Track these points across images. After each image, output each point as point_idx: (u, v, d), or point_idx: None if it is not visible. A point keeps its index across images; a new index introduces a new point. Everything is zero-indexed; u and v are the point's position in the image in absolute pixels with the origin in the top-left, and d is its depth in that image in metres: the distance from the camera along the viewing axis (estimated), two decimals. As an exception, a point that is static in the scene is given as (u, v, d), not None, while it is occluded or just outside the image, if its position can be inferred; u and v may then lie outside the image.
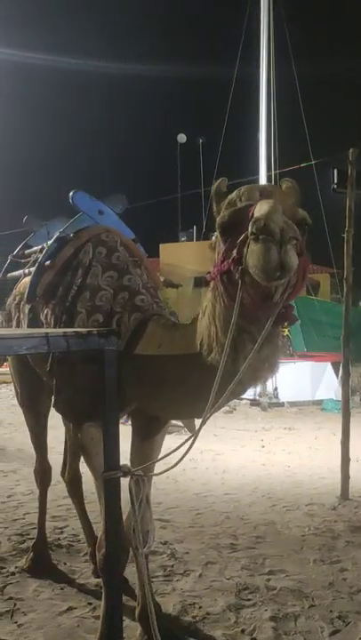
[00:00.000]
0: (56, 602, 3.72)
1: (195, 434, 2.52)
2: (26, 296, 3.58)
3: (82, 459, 3.71)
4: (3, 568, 4.19)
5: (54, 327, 3.27)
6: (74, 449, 4.26)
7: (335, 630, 3.42)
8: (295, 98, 16.76)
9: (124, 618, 3.01)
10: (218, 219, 2.42)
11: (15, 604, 3.68)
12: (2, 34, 25.14)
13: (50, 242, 3.60)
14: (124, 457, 2.83)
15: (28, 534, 4.75)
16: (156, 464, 3.00)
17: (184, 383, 2.75)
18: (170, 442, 3.14)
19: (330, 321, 13.18)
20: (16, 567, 4.20)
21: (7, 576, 4.08)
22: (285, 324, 2.47)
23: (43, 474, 4.29)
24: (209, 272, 2.47)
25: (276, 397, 13.35)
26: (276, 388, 13.34)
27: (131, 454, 3.33)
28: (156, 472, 2.91)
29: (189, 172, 27.24)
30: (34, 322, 3.57)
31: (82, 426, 3.16)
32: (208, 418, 2.48)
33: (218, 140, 18.21)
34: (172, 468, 2.65)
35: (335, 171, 11.00)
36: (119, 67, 31.60)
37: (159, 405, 3.04)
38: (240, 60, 16.78)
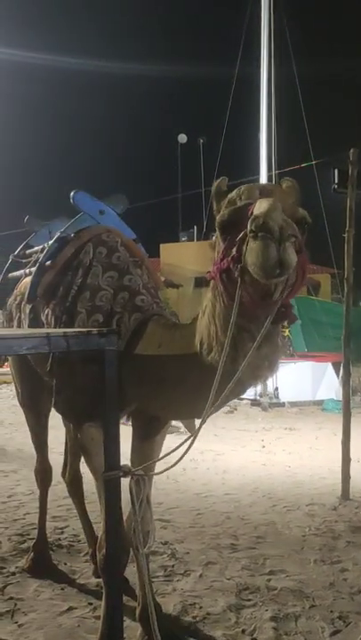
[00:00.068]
0: (56, 602, 3.72)
1: (195, 433, 2.52)
2: (26, 296, 3.58)
3: (82, 459, 3.71)
4: (3, 568, 4.20)
5: (55, 327, 3.27)
6: (74, 449, 4.26)
7: (336, 630, 3.42)
8: (296, 98, 16.78)
9: (124, 618, 3.01)
10: (217, 217, 2.42)
11: (16, 604, 3.68)
12: (2, 34, 25.18)
13: (50, 242, 3.60)
14: (125, 457, 2.83)
15: (29, 534, 4.75)
16: (156, 464, 3.00)
17: (184, 383, 2.75)
18: (170, 442, 3.14)
19: (331, 321, 13.17)
20: (16, 567, 4.20)
21: (8, 576, 4.08)
22: (285, 323, 2.47)
23: (43, 474, 4.29)
24: (209, 271, 2.47)
25: (277, 397, 13.33)
26: (276, 388, 13.33)
27: (131, 454, 3.33)
28: (156, 472, 2.91)
29: (190, 173, 27.28)
30: (35, 322, 3.57)
31: (82, 426, 3.16)
32: (207, 417, 2.48)
33: (218, 140, 18.23)
34: (172, 466, 2.65)
35: (336, 171, 10.98)
36: (120, 67, 31.63)
37: (159, 405, 3.04)
38: (240, 60, 16.80)
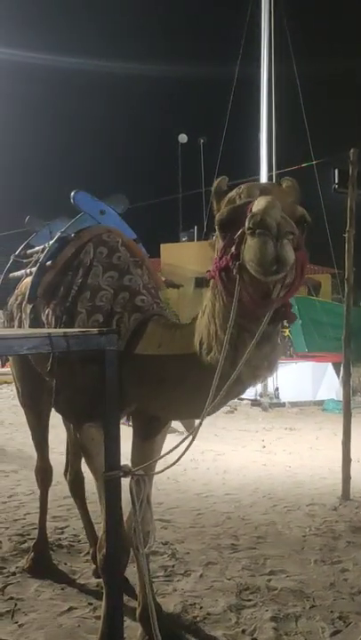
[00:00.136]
0: (57, 602, 3.72)
1: (193, 431, 2.52)
2: (27, 296, 3.58)
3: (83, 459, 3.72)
4: (3, 568, 4.20)
5: (55, 327, 3.27)
6: (75, 449, 4.26)
7: (336, 631, 3.42)
8: (296, 98, 16.75)
9: (124, 618, 3.01)
10: (217, 215, 2.43)
11: (16, 604, 3.68)
12: (2, 34, 25.18)
13: (51, 242, 3.61)
14: (125, 457, 2.83)
15: (29, 534, 4.75)
16: (156, 463, 3.00)
17: (184, 383, 2.75)
18: (170, 442, 3.13)
19: (331, 321, 13.17)
20: (17, 567, 4.20)
21: (8, 576, 4.08)
22: (285, 323, 2.47)
23: (44, 474, 4.29)
24: (209, 270, 2.48)
25: (277, 398, 13.33)
26: (277, 389, 13.33)
27: (132, 455, 3.33)
28: (156, 471, 2.91)
29: (190, 173, 27.25)
30: (35, 322, 3.57)
31: (82, 426, 3.16)
32: (205, 416, 2.48)
33: (219, 140, 18.21)
34: (171, 465, 2.64)
35: (336, 171, 11.00)
36: (120, 66, 31.63)
37: (159, 405, 3.04)
38: (241, 60, 16.78)
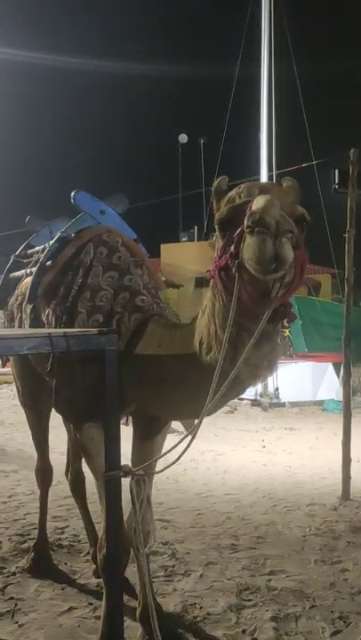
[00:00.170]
0: (57, 602, 3.72)
1: (191, 430, 2.53)
2: (27, 296, 3.58)
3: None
4: (4, 568, 4.20)
5: (55, 327, 3.27)
6: (75, 449, 4.26)
7: (336, 631, 3.42)
8: (296, 98, 16.75)
9: (124, 618, 3.01)
10: (216, 215, 2.44)
11: (16, 604, 3.68)
12: (2, 34, 25.18)
13: (51, 242, 3.61)
14: (125, 457, 2.83)
15: (29, 534, 4.76)
16: (154, 463, 3.01)
17: (184, 383, 2.75)
18: (170, 442, 3.13)
19: (331, 321, 13.17)
20: (17, 567, 4.20)
21: (8, 576, 4.08)
22: (285, 322, 2.47)
23: (44, 474, 4.29)
24: (209, 270, 2.48)
25: (277, 398, 13.33)
26: (277, 389, 13.33)
27: (132, 455, 3.33)
28: (156, 471, 2.91)
29: (190, 173, 27.25)
30: (35, 322, 3.57)
31: (82, 426, 3.16)
32: (205, 414, 2.48)
33: (219, 140, 18.21)
34: (171, 464, 2.64)
35: (336, 171, 10.98)
36: (120, 66, 31.62)
37: (159, 405, 3.04)
38: (241, 60, 16.78)
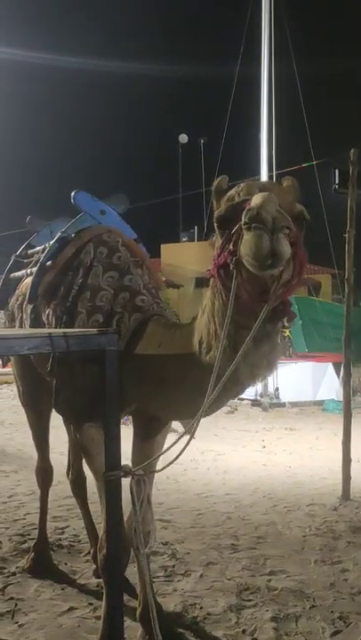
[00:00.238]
0: (57, 602, 3.72)
1: (189, 428, 2.53)
2: (28, 296, 3.58)
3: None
4: (4, 568, 4.20)
5: (55, 327, 3.28)
6: (76, 449, 4.26)
7: (336, 631, 3.42)
8: (296, 98, 16.75)
9: (125, 618, 3.01)
10: (216, 213, 2.45)
11: (16, 605, 3.68)
12: (2, 34, 25.18)
13: (51, 242, 3.61)
14: (125, 457, 2.83)
15: (29, 534, 4.76)
16: (155, 462, 3.01)
17: (184, 383, 2.75)
18: (171, 442, 3.13)
19: (331, 322, 13.17)
20: (17, 567, 4.20)
21: (8, 576, 4.08)
22: (285, 322, 2.47)
23: (44, 474, 4.29)
24: (209, 269, 2.49)
25: (278, 398, 13.33)
26: (277, 389, 13.33)
27: (132, 455, 3.33)
28: (156, 470, 2.91)
29: (191, 173, 27.25)
30: (36, 322, 3.57)
31: (82, 426, 3.16)
32: (204, 411, 2.48)
33: (219, 140, 18.21)
34: (171, 463, 2.64)
35: (336, 171, 11.00)
36: (120, 66, 31.61)
37: (159, 405, 3.04)
38: (241, 60, 16.78)
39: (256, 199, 2.21)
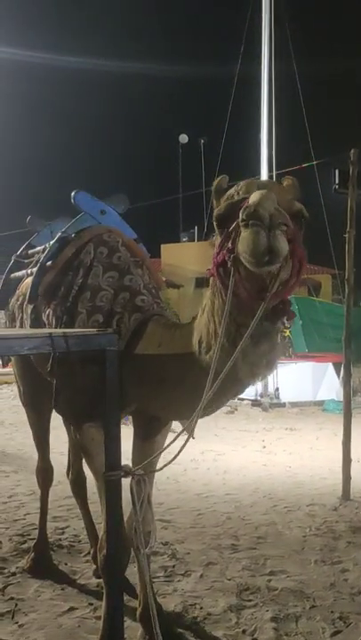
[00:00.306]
0: (57, 602, 3.73)
1: (187, 426, 2.53)
2: (28, 296, 3.58)
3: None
4: (4, 568, 4.20)
5: (55, 327, 3.28)
6: (76, 449, 4.26)
7: (336, 631, 3.42)
8: (296, 98, 16.75)
9: (125, 618, 3.00)
10: (215, 211, 2.45)
11: (16, 605, 3.68)
12: (2, 34, 25.18)
13: (52, 242, 3.61)
14: (125, 457, 2.83)
15: (29, 535, 4.76)
16: (155, 462, 3.01)
17: (184, 383, 2.75)
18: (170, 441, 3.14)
19: (331, 322, 13.18)
20: (17, 567, 4.20)
21: (8, 576, 4.08)
22: (285, 320, 2.47)
23: (44, 474, 4.29)
24: (209, 268, 2.49)
25: (278, 398, 13.32)
26: (277, 389, 13.32)
27: (132, 455, 3.33)
28: (156, 469, 2.91)
29: (191, 173, 27.26)
30: (36, 322, 3.57)
31: (82, 426, 3.16)
32: (201, 411, 2.48)
33: (219, 140, 18.20)
34: (170, 462, 2.64)
35: (337, 171, 11.01)
36: (120, 66, 31.63)
37: (159, 405, 3.04)
38: (241, 60, 16.78)
39: (254, 196, 2.22)
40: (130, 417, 3.43)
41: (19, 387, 4.29)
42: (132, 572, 3.60)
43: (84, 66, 29.10)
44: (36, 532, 4.33)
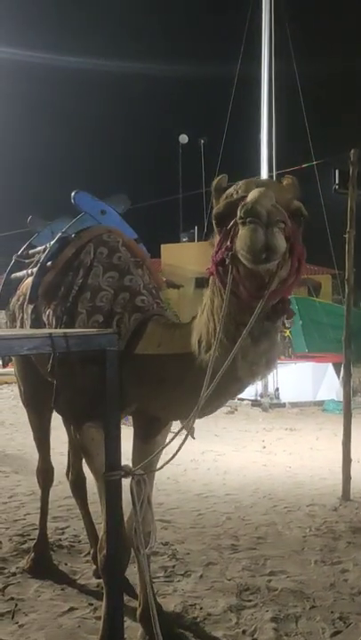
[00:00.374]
0: (57, 602, 3.73)
1: (185, 424, 2.53)
2: (28, 297, 3.58)
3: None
4: (4, 568, 4.20)
5: (55, 328, 3.28)
6: (75, 450, 4.26)
7: (336, 631, 3.42)
8: (296, 98, 16.75)
9: (125, 618, 3.01)
10: (214, 209, 2.46)
11: (16, 605, 3.68)
12: (2, 34, 25.18)
13: (52, 242, 3.61)
14: (126, 457, 2.83)
15: (30, 535, 4.76)
16: (155, 462, 3.01)
17: (184, 383, 2.75)
18: (172, 442, 3.13)
19: (331, 322, 13.17)
20: (17, 568, 4.20)
21: (8, 576, 4.08)
22: (285, 319, 2.47)
23: (45, 474, 4.29)
24: (208, 267, 2.49)
25: (278, 398, 13.32)
26: (277, 389, 13.33)
27: (132, 455, 3.33)
28: (155, 469, 2.91)
29: (191, 173, 27.26)
30: (37, 322, 3.57)
31: (82, 426, 3.16)
32: (199, 408, 2.48)
33: (219, 140, 18.20)
34: (169, 460, 2.64)
35: (337, 171, 11.01)
36: (120, 66, 31.63)
37: (159, 405, 3.04)
38: (241, 60, 16.77)
39: (252, 194, 2.23)
40: (130, 417, 3.44)
41: (19, 387, 4.30)
42: (132, 573, 3.61)
43: (84, 66, 29.12)
44: (37, 532, 4.33)
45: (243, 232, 2.20)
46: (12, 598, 3.77)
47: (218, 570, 4.22)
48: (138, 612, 3.36)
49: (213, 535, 4.93)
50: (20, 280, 4.04)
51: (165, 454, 2.78)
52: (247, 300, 2.34)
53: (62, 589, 3.90)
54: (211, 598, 3.79)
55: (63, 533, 4.88)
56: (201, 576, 4.12)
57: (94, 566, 4.04)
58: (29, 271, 3.87)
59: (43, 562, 4.17)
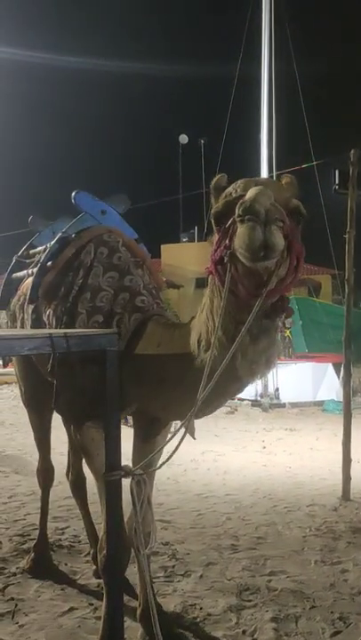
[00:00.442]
0: (57, 602, 3.73)
1: (184, 422, 2.53)
2: (28, 297, 3.59)
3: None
4: (4, 569, 4.20)
5: (56, 328, 3.28)
6: (75, 450, 4.26)
7: (336, 631, 3.42)
8: (296, 98, 16.75)
9: (125, 618, 3.01)
10: (213, 208, 2.46)
11: (16, 605, 3.68)
12: (2, 34, 25.18)
13: (52, 242, 3.61)
14: (126, 458, 2.84)
15: (30, 535, 4.76)
16: (154, 462, 3.00)
17: (184, 382, 2.75)
18: (171, 443, 3.13)
19: (331, 322, 13.19)
20: (17, 568, 4.20)
21: (8, 577, 4.08)
22: (283, 317, 2.48)
23: (45, 474, 4.29)
24: (207, 267, 2.49)
25: (278, 398, 13.32)
26: (277, 389, 13.33)
27: (132, 456, 3.33)
28: (155, 467, 2.91)
29: (191, 173, 27.26)
30: (37, 322, 3.57)
31: (82, 427, 3.16)
32: (198, 407, 2.48)
33: (219, 140, 18.20)
34: (168, 459, 2.64)
35: (337, 171, 11.01)
36: (120, 66, 31.65)
37: (159, 405, 3.04)
38: (242, 60, 16.78)
39: (250, 192, 2.23)
40: (130, 417, 3.44)
41: (20, 387, 4.30)
42: (132, 573, 3.61)
43: (84, 66, 29.13)
44: (37, 532, 4.33)
45: (241, 230, 2.21)
46: (12, 598, 3.77)
47: (218, 570, 4.23)
48: (138, 612, 3.36)
49: (213, 535, 4.93)
50: (21, 280, 4.04)
51: (165, 454, 2.78)
52: (246, 298, 2.34)
53: (62, 589, 3.91)
54: (211, 598, 3.79)
55: (63, 533, 4.88)
56: (201, 576, 4.12)
57: (94, 566, 4.04)
58: (30, 271, 3.87)
59: (43, 562, 4.17)
